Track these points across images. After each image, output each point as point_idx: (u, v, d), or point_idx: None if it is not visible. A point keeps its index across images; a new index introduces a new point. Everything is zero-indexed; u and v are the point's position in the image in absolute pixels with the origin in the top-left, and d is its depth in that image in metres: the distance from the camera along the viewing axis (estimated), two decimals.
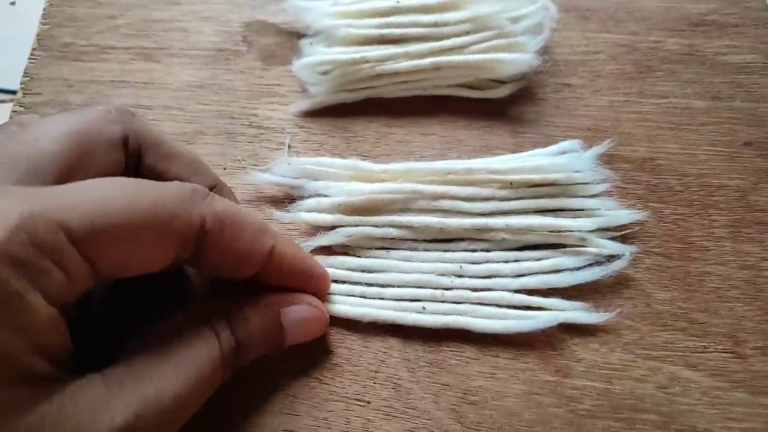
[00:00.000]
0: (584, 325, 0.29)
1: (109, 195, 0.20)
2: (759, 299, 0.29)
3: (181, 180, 0.25)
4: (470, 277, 0.29)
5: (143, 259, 0.21)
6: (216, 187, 0.28)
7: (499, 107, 0.35)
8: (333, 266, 0.30)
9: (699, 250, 0.31)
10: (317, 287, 0.28)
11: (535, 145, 0.34)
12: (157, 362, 0.22)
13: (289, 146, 0.34)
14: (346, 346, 0.29)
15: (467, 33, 0.35)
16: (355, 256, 0.30)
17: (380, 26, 0.35)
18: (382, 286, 0.29)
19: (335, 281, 0.29)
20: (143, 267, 0.22)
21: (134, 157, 0.26)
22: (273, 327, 0.25)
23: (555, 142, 0.33)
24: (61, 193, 0.20)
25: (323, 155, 0.34)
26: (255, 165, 0.33)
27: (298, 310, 0.26)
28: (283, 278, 0.26)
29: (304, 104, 0.35)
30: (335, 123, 0.35)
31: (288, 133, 0.35)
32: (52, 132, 0.23)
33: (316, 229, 0.31)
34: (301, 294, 0.27)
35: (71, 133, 0.24)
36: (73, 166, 0.23)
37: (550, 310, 0.29)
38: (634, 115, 0.35)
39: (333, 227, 0.30)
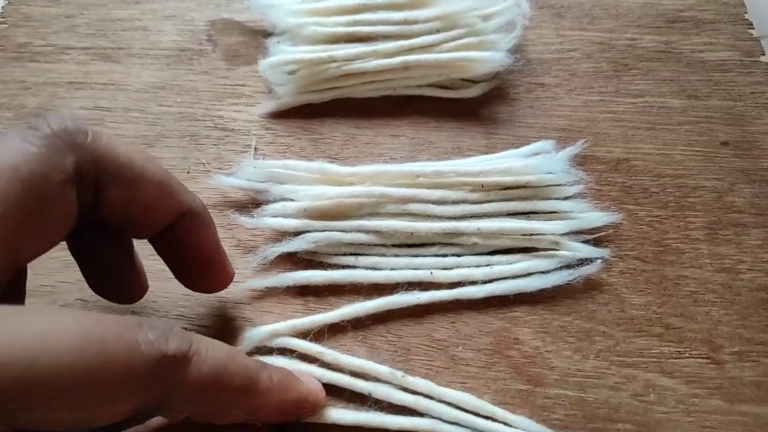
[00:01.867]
0: (558, 332, 0.28)
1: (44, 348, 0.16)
2: (736, 303, 0.28)
3: (150, 206, 0.22)
4: (440, 284, 0.28)
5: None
6: (188, 214, 0.23)
7: (471, 107, 0.34)
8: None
9: (675, 253, 0.30)
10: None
11: (507, 146, 0.33)
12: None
13: (255, 149, 0.33)
14: None
15: (437, 31, 0.34)
16: (321, 262, 0.29)
17: (348, 24, 0.34)
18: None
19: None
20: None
21: (92, 191, 0.21)
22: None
23: (528, 142, 0.33)
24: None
25: (290, 158, 0.32)
26: (220, 168, 0.32)
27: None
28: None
29: (270, 105, 0.34)
30: (302, 124, 0.34)
31: (253, 135, 0.33)
32: None
33: (282, 234, 0.30)
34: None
35: (14, 180, 0.18)
36: (23, 229, 0.19)
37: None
38: (610, 114, 0.34)
39: (299, 233, 0.29)
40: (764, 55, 0.36)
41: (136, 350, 0.17)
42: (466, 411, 0.26)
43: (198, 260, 0.25)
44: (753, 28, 0.37)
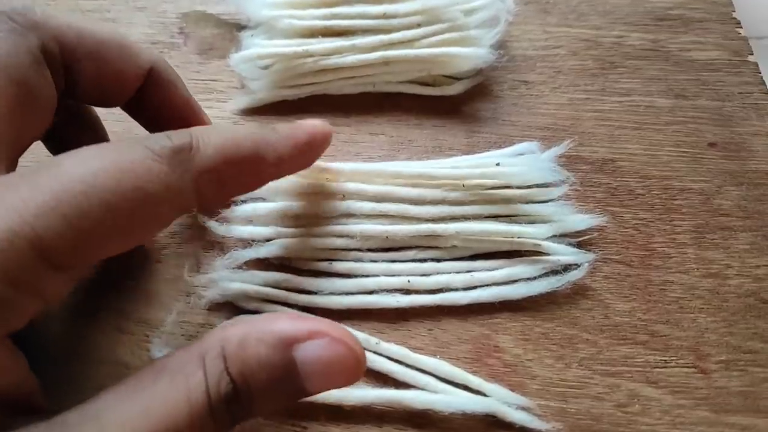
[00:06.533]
0: (539, 339, 0.27)
1: (85, 189, 0.17)
2: (723, 310, 0.28)
3: (117, 71, 0.23)
4: (418, 292, 0.27)
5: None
6: (153, 71, 0.25)
7: (453, 105, 0.33)
8: (269, 285, 0.27)
9: (661, 258, 0.29)
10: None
11: (490, 146, 0.32)
12: (119, 403, 0.17)
13: None
14: None
15: (418, 25, 0.32)
16: (293, 268, 0.28)
17: (325, 17, 0.33)
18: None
19: (270, 301, 0.27)
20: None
21: (62, 69, 0.22)
22: (282, 364, 0.18)
23: (512, 142, 0.31)
24: (27, 195, 0.17)
25: None
26: None
27: (316, 346, 0.19)
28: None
29: (243, 101, 0.33)
30: (277, 121, 0.33)
31: None
32: None
33: (253, 239, 0.28)
34: (326, 324, 0.20)
35: None
36: (15, 119, 0.20)
37: None
38: (595, 113, 0.33)
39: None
40: (752, 54, 0.35)
41: (153, 163, 0.19)
42: (441, 378, 0.25)
43: (173, 115, 0.26)
44: (741, 27, 0.36)
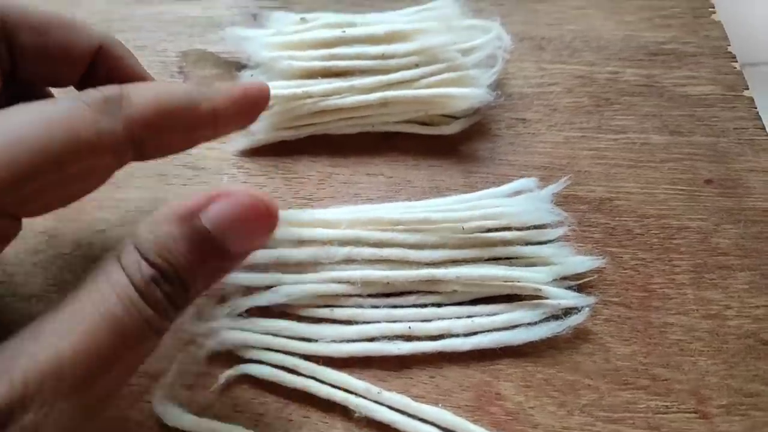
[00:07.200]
0: (541, 385, 0.27)
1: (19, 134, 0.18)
2: (723, 351, 0.28)
3: (64, 47, 0.24)
4: (419, 338, 0.27)
5: (72, 191, 0.21)
6: (103, 48, 0.25)
7: (451, 144, 0.33)
8: (269, 333, 0.27)
9: (660, 299, 0.29)
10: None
11: (488, 185, 0.32)
12: (50, 320, 0.18)
13: None
14: (285, 416, 0.26)
15: (416, 66, 0.32)
16: (294, 315, 0.28)
17: (324, 58, 0.33)
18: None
19: (272, 350, 0.27)
20: (76, 196, 0.21)
21: (5, 45, 0.23)
22: (195, 233, 0.19)
23: (509, 180, 0.31)
24: None
25: None
26: None
27: (220, 206, 0.19)
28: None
29: (243, 142, 0.33)
30: (276, 163, 0.33)
31: (225, 174, 0.32)
32: None
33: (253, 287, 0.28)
34: (225, 186, 0.21)
35: None
36: None
37: None
38: (591, 151, 0.33)
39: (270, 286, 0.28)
40: (747, 89, 0.36)
41: (85, 111, 0.19)
42: (443, 429, 0.25)
43: None
44: (735, 61, 0.37)
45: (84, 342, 0.17)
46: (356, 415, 0.25)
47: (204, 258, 0.19)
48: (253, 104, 0.24)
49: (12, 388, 0.16)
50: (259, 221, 0.20)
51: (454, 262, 0.29)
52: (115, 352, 0.18)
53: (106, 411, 0.20)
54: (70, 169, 0.19)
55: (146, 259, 0.19)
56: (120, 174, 0.31)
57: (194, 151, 0.32)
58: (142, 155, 0.22)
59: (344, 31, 0.33)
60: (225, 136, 0.25)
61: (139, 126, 0.20)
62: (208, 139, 0.24)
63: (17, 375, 0.16)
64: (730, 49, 0.37)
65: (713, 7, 0.39)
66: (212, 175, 0.32)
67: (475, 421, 0.26)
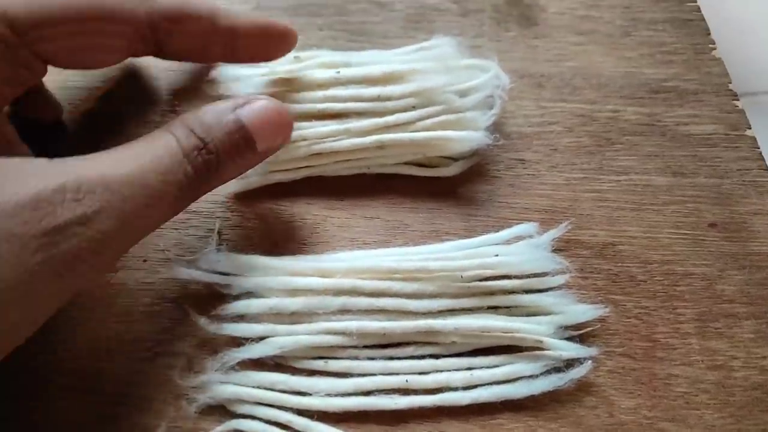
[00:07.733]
0: None
1: None
2: (729, 405, 0.27)
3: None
4: (416, 392, 0.26)
5: (94, 50, 0.26)
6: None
7: (449, 186, 0.33)
8: (262, 387, 0.26)
9: (665, 349, 0.28)
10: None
11: (488, 229, 0.31)
12: (105, 152, 0.22)
13: (219, 233, 0.31)
14: None
15: (413, 108, 0.32)
16: (288, 367, 0.27)
17: (318, 100, 0.32)
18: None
19: (265, 404, 0.26)
20: (97, 60, 0.27)
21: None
22: (232, 123, 0.24)
23: (509, 225, 0.31)
24: None
25: (256, 243, 0.30)
26: (180, 255, 0.30)
27: (255, 106, 0.25)
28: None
29: (237, 185, 0.32)
30: (271, 206, 0.32)
31: (218, 218, 0.31)
32: None
33: (246, 338, 0.27)
34: (257, 95, 0.27)
35: None
36: None
37: None
38: (593, 193, 0.33)
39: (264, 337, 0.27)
40: (750, 129, 0.35)
41: None
42: None
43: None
44: (738, 99, 0.36)
45: (132, 173, 0.21)
46: None
47: (237, 144, 0.24)
48: (275, 39, 0.29)
49: (67, 180, 0.19)
50: (281, 125, 0.26)
51: (453, 312, 0.28)
52: (154, 193, 0.22)
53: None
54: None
55: (193, 131, 0.23)
56: None
57: None
58: (160, 50, 0.29)
59: (339, 72, 0.33)
60: (246, 65, 0.31)
61: (158, 15, 0.27)
62: (226, 58, 0.30)
63: (72, 175, 0.20)
64: (731, 86, 0.37)
65: (714, 44, 0.39)
66: (204, 219, 0.31)
67: None
